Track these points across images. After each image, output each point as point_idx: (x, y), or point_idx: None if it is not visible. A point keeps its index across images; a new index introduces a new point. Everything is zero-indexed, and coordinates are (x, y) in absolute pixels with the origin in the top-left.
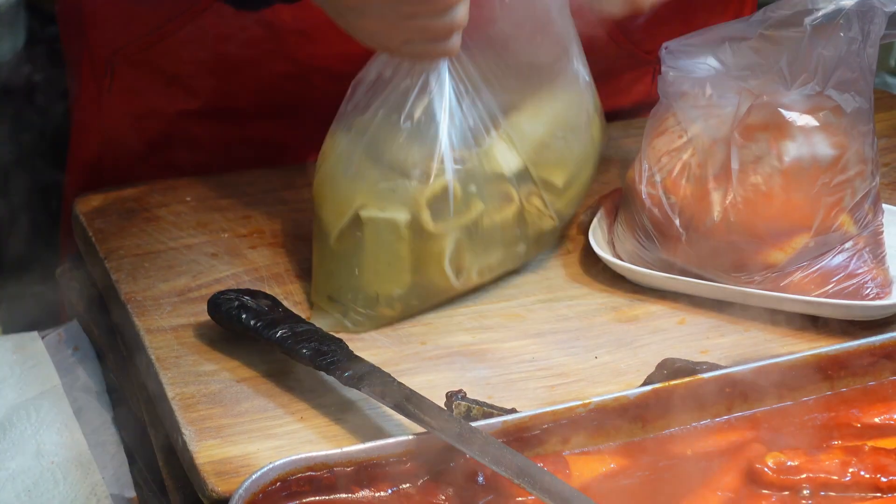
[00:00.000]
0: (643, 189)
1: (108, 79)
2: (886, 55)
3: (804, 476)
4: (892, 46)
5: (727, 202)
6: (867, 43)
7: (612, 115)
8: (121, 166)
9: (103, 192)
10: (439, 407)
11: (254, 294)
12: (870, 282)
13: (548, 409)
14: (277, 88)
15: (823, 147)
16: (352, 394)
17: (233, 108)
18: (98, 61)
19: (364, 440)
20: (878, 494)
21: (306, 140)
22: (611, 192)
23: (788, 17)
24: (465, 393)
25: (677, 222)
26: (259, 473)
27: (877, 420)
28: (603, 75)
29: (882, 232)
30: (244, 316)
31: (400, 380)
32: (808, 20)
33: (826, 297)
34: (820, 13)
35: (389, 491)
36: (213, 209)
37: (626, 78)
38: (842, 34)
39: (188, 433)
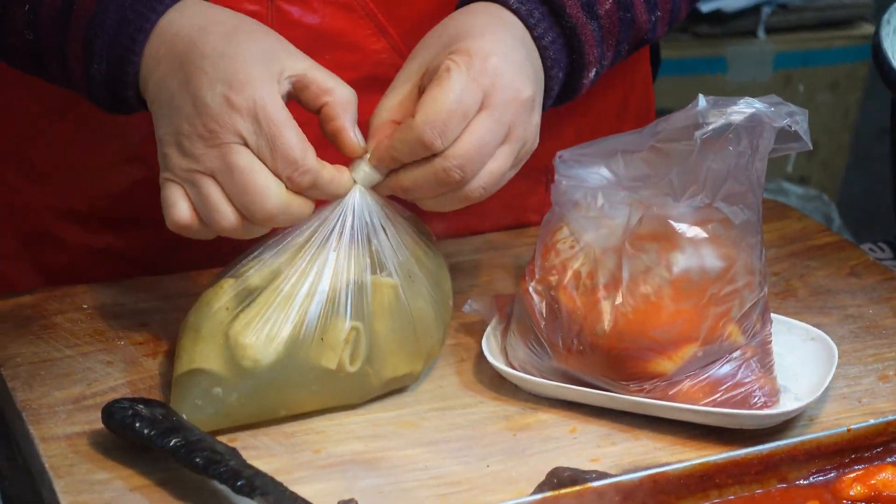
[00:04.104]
0: (535, 298)
1: None
2: (783, 162)
3: None
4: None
5: (617, 311)
6: (756, 157)
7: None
8: None
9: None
10: None
11: (148, 402)
12: (757, 391)
13: None
14: (134, 197)
15: (712, 258)
16: (244, 502)
17: (97, 212)
18: None
19: None
20: None
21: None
22: (505, 298)
23: (679, 131)
24: (356, 502)
25: (568, 331)
26: None
27: None
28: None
29: (770, 341)
30: (137, 424)
31: (293, 488)
32: (697, 134)
33: (714, 406)
34: (710, 127)
35: None
36: (109, 316)
37: (520, 189)
38: (731, 148)
39: None
